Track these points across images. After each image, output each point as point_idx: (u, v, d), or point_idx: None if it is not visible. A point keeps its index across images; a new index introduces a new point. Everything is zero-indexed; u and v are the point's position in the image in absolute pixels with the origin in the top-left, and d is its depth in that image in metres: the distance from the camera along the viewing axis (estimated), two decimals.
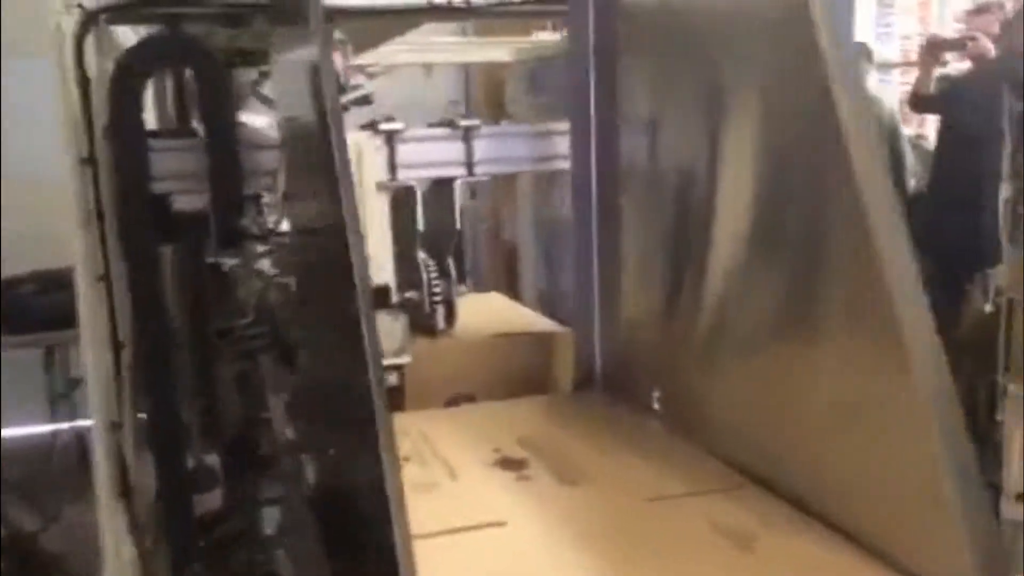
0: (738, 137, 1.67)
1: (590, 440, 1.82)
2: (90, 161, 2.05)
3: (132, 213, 2.03)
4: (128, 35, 2.30)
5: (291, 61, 1.69)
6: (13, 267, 4.26)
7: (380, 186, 2.28)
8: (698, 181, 1.79)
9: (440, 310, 2.43)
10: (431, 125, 2.43)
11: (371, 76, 2.86)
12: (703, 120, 1.77)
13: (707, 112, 1.75)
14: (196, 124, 2.31)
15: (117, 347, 2.13)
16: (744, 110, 1.65)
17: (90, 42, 2.03)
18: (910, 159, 4.84)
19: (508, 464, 1.68)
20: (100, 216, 2.07)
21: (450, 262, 2.51)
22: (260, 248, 2.15)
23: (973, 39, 4.27)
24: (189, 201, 2.15)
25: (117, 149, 1.99)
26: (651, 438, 1.83)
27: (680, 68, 1.85)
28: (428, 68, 4.38)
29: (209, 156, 2.05)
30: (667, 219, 1.94)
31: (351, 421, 1.33)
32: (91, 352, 2.13)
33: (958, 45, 4.42)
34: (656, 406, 1.92)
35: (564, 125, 2.24)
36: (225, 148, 2.04)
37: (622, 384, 2.11)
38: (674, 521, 1.45)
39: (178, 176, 2.11)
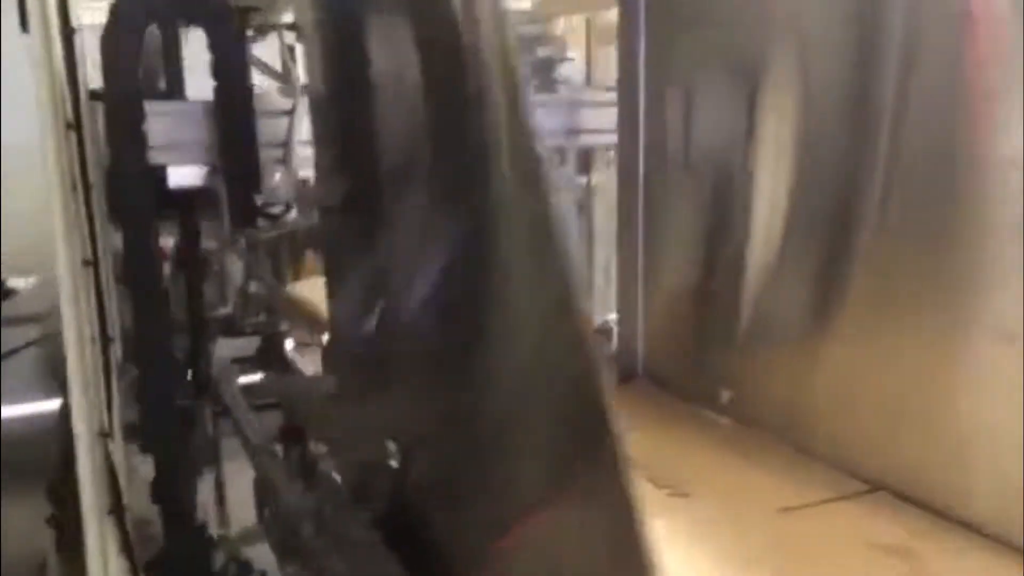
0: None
1: (669, 441, 1.68)
2: (75, 127, 1.76)
3: (129, 189, 1.75)
4: None
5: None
6: None
7: None
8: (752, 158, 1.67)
9: None
10: None
11: None
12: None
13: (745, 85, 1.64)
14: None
15: (106, 343, 1.84)
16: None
17: None
18: None
19: None
20: (87, 190, 1.78)
21: None
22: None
23: None
24: (187, 175, 1.89)
25: (113, 114, 1.71)
26: (737, 440, 1.69)
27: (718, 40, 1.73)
28: None
29: (223, 123, 1.79)
30: (717, 201, 1.81)
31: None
32: (74, 348, 1.84)
33: None
34: (726, 404, 1.79)
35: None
36: (240, 114, 1.79)
37: (671, 378, 1.97)
38: (822, 535, 1.32)
39: (178, 146, 1.84)
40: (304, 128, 2.00)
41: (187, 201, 1.87)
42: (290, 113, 2.00)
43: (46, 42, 1.73)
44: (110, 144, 1.73)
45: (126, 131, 1.68)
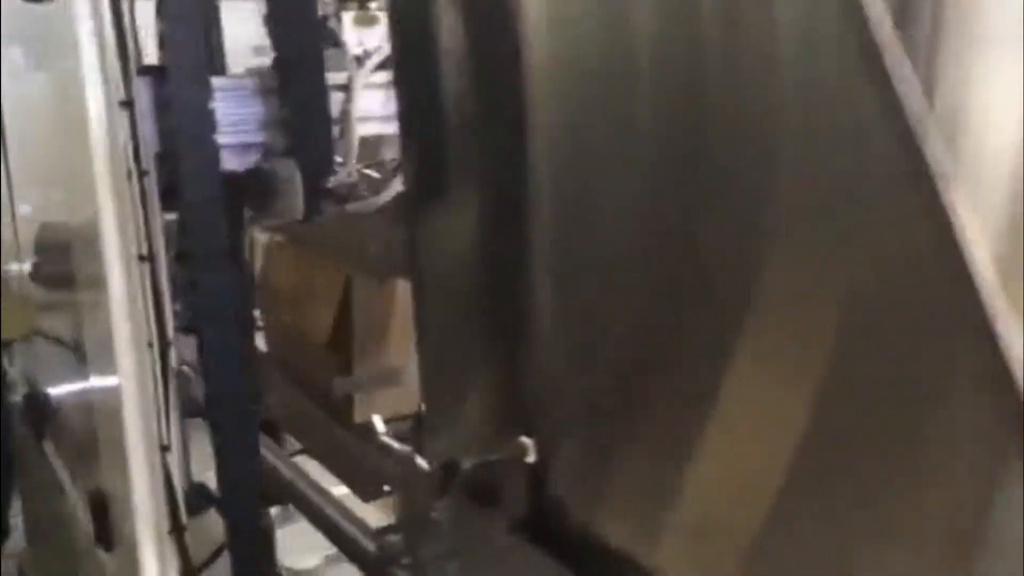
0: None
1: None
2: (129, 105, 1.55)
3: (195, 175, 1.55)
4: None
5: None
6: None
7: None
8: None
9: None
10: None
11: None
12: None
13: None
14: None
15: (165, 348, 1.65)
16: None
17: None
18: None
19: None
20: (141, 176, 1.57)
21: None
22: None
23: None
24: (246, 158, 1.69)
25: (178, 89, 1.50)
26: None
27: None
28: None
29: (294, 100, 1.59)
30: None
31: None
32: (128, 355, 1.64)
33: None
34: None
35: None
36: (313, 90, 1.59)
37: None
38: None
39: (237, 125, 1.64)
40: (364, 105, 1.81)
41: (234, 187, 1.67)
42: (345, 88, 1.80)
43: (94, 11, 1.52)
44: (169, 125, 1.52)
45: (190, 110, 1.48)
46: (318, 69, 1.60)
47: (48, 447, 2.67)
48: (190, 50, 1.49)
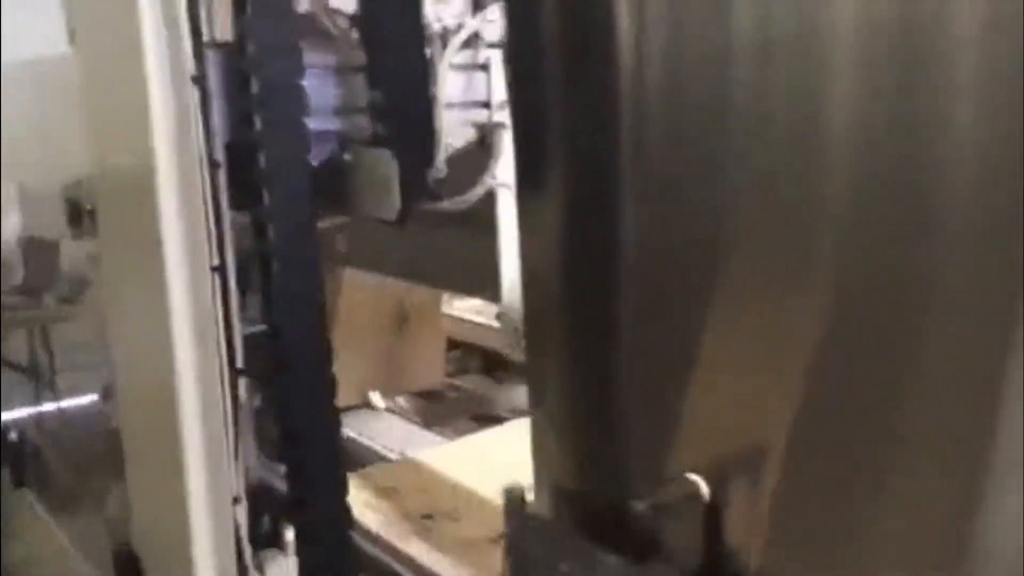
0: None
1: None
2: (201, 81, 1.27)
3: (288, 166, 1.27)
4: None
5: None
6: None
7: None
8: None
9: None
10: None
11: None
12: None
13: None
14: None
15: (235, 377, 1.36)
16: None
17: None
18: None
19: None
20: (214, 170, 1.29)
21: None
22: None
23: None
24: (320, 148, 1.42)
25: (261, 63, 1.23)
26: None
27: None
28: None
29: (389, 81, 1.33)
30: None
31: None
32: (193, 387, 1.35)
33: None
34: None
35: None
36: (411, 68, 1.33)
37: None
38: None
39: (320, 111, 1.37)
40: (449, 90, 1.56)
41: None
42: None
43: None
44: (245, 108, 1.25)
45: (278, 91, 1.21)
46: (416, 44, 1.35)
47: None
48: (276, 23, 1.22)
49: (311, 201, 1.26)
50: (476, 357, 3.13)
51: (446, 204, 1.50)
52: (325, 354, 1.33)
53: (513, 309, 1.73)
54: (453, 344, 3.07)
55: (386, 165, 1.34)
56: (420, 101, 1.35)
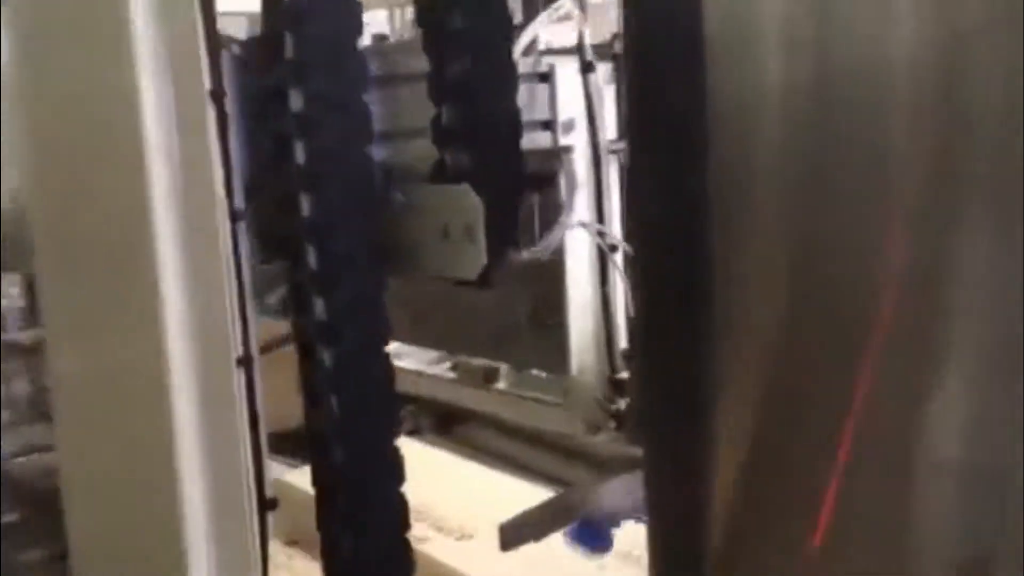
0: None
1: None
2: (218, 97, 0.90)
3: (350, 223, 0.91)
4: None
5: None
6: None
7: None
8: None
9: None
10: None
11: None
12: None
13: None
14: None
15: (264, 508, 0.99)
16: None
17: None
18: None
19: None
20: (234, 220, 0.93)
21: None
22: None
23: None
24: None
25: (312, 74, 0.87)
26: None
27: None
28: None
29: (467, 99, 0.97)
30: None
31: None
32: (208, 520, 0.98)
33: None
34: None
35: None
36: (501, 84, 0.98)
37: None
38: None
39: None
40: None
41: None
42: None
43: None
44: (280, 131, 0.88)
45: (333, 111, 0.84)
46: (503, 44, 1.00)
47: None
48: (329, 12, 0.86)
49: (379, 265, 0.90)
50: (429, 414, 2.74)
51: (524, 254, 1.16)
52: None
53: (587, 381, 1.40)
54: (404, 399, 2.64)
55: (465, 205, 0.99)
56: (508, 119, 1.01)
